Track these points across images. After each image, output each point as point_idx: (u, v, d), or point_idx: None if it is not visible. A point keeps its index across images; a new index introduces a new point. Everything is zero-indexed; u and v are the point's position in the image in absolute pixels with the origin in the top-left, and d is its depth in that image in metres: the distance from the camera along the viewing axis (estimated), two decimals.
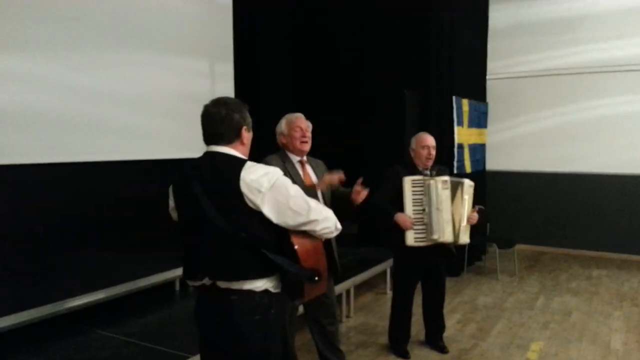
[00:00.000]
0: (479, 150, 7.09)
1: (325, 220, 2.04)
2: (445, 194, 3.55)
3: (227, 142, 2.06)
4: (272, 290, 2.07)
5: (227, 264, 1.98)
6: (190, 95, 5.22)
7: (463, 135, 6.43)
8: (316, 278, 2.01)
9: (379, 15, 6.28)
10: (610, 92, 7.14)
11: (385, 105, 6.07)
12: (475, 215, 3.68)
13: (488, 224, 6.74)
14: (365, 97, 6.28)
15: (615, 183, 7.13)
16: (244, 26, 6.07)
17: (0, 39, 3.69)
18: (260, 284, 2.01)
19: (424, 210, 3.56)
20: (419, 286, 3.97)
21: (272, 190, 1.94)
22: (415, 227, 3.56)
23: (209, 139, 2.08)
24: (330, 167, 3.29)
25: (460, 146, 6.35)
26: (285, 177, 2.03)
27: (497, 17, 7.63)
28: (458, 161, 6.28)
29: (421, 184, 3.57)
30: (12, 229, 3.69)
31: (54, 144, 4.04)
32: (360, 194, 3.03)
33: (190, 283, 2.14)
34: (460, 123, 6.33)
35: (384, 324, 4.44)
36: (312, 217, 2.00)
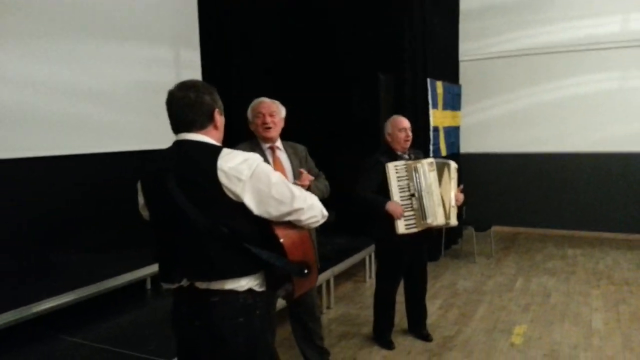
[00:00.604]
0: (453, 133, 7.03)
1: (310, 209, 1.89)
2: (433, 175, 3.45)
3: (199, 128, 1.88)
4: (257, 289, 1.91)
5: (207, 262, 1.81)
6: (156, 85, 4.96)
7: (438, 117, 6.35)
8: (305, 271, 1.87)
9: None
10: (582, 71, 7.15)
11: (360, 89, 5.93)
12: (461, 196, 3.63)
13: (464, 207, 6.71)
14: (340, 81, 6.12)
15: (588, 162, 7.18)
16: (210, 10, 5.81)
17: None
18: (243, 283, 1.85)
19: (413, 195, 3.45)
20: None
21: (253, 178, 1.78)
22: (406, 214, 3.45)
23: (178, 126, 1.90)
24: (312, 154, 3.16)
25: (436, 129, 6.27)
26: (265, 164, 1.86)
27: None
28: (434, 144, 6.20)
29: (406, 169, 3.45)
30: None
31: (11, 140, 3.78)
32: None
33: (166, 286, 1.96)
34: (435, 106, 6.24)
35: (366, 313, 4.36)
36: (297, 205, 1.85)
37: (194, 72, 5.62)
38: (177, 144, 1.90)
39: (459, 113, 7.35)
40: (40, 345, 3.20)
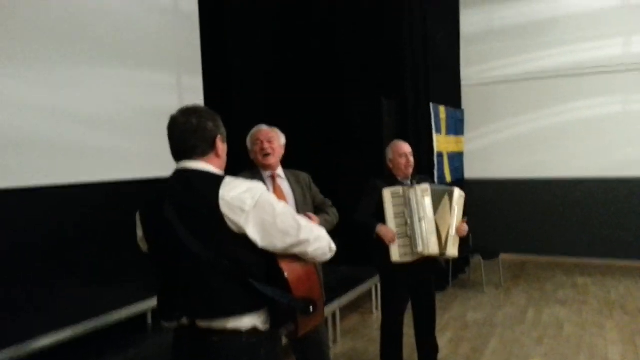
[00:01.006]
0: (457, 159, 6.92)
1: (317, 240, 1.76)
2: (427, 202, 3.25)
3: (201, 155, 1.77)
4: (261, 327, 1.75)
5: (208, 299, 1.67)
6: (157, 110, 4.87)
7: (442, 143, 6.24)
8: (311, 308, 1.72)
9: (352, 21, 6.04)
10: (586, 95, 7.08)
11: (362, 114, 5.83)
12: (465, 227, 3.39)
13: (470, 235, 6.56)
14: (342, 106, 6.03)
15: (595, 187, 7.05)
16: (212, 35, 5.75)
17: None
18: (247, 321, 1.71)
19: (406, 222, 3.29)
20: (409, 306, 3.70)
21: (257, 209, 1.66)
22: (400, 241, 3.28)
23: (178, 153, 1.78)
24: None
25: (440, 154, 6.16)
26: (269, 193, 1.74)
27: (469, 22, 7.53)
28: (438, 170, 6.08)
29: (401, 195, 3.30)
30: None
31: (8, 167, 3.67)
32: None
33: (166, 325, 1.81)
34: (438, 131, 6.14)
35: (374, 348, 4.16)
36: (303, 237, 1.72)
37: (196, 96, 5.53)
38: (178, 172, 1.78)
39: (462, 138, 7.25)
40: None
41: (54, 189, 3.88)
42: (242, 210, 1.64)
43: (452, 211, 3.31)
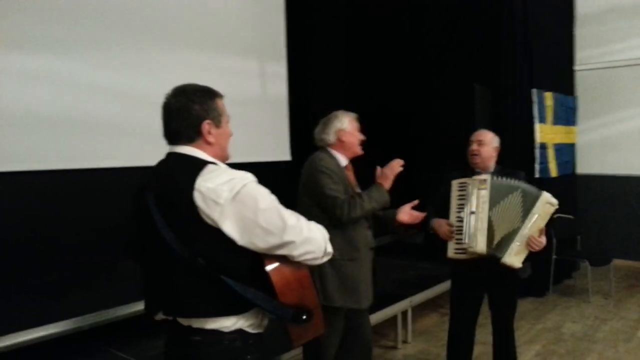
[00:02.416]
0: (566, 151, 6.20)
1: (306, 243, 1.54)
2: (482, 194, 2.81)
3: (187, 141, 1.61)
4: (250, 330, 1.59)
5: (183, 298, 1.54)
6: (241, 97, 4.89)
7: (546, 133, 5.61)
8: (304, 317, 1.52)
9: (442, 2, 5.62)
10: None
11: (454, 102, 5.41)
12: (542, 240, 2.81)
13: (579, 237, 5.86)
14: (431, 94, 5.66)
15: None
16: (298, 23, 5.66)
17: (23, 37, 3.50)
18: (228, 324, 1.55)
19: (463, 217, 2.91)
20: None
21: (236, 202, 1.47)
22: (457, 237, 2.90)
23: (167, 136, 1.65)
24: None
25: (543, 146, 5.53)
26: (257, 185, 1.53)
27: (585, 1, 6.69)
28: (540, 163, 5.47)
29: (465, 187, 2.92)
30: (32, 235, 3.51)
31: (85, 148, 3.86)
32: (408, 215, 2.79)
33: (154, 317, 1.70)
34: (542, 120, 5.52)
35: None
36: (288, 238, 1.50)
37: (279, 83, 5.50)
38: (167, 156, 1.66)
39: (574, 128, 6.49)
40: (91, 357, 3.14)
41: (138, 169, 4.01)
42: (216, 204, 1.46)
43: (531, 216, 2.80)
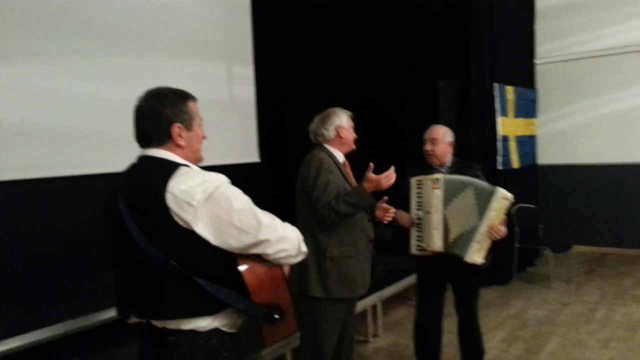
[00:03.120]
0: (527, 143, 6.41)
1: (281, 241, 1.58)
2: (436, 194, 2.91)
3: (157, 144, 1.63)
4: (226, 329, 1.64)
5: (157, 300, 1.57)
6: (208, 102, 4.88)
7: (508, 126, 5.80)
8: (276, 316, 1.57)
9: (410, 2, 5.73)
10: None
11: (418, 98, 5.54)
12: (502, 229, 2.88)
13: (541, 225, 6.09)
14: (398, 90, 5.77)
15: None
16: (264, 25, 5.68)
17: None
18: (204, 324, 1.59)
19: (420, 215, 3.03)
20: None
21: (210, 203, 1.50)
22: (417, 234, 3.02)
23: (138, 139, 1.67)
24: (362, 168, 2.88)
25: (505, 139, 5.72)
26: (230, 186, 1.57)
27: None
28: (503, 155, 5.66)
29: (423, 184, 3.03)
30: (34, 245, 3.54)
31: (59, 157, 3.83)
32: (387, 211, 2.80)
33: (127, 321, 1.74)
34: (504, 113, 5.70)
35: None
36: (263, 236, 1.54)
37: (247, 86, 5.52)
38: (138, 160, 1.68)
39: (534, 121, 6.71)
40: None
41: (101, 177, 4.00)
42: (190, 205, 1.49)
43: (485, 213, 2.85)
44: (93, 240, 3.39)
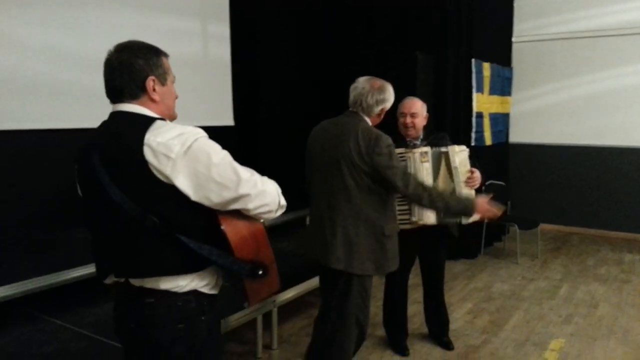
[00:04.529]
0: (501, 121, 6.45)
1: (261, 196, 1.55)
2: (425, 167, 2.93)
3: (130, 98, 1.56)
4: (205, 291, 1.60)
5: (135, 257, 1.52)
6: (181, 59, 4.72)
7: (483, 103, 5.80)
8: (260, 272, 1.55)
9: None
10: None
11: (396, 70, 5.46)
12: (476, 176, 2.98)
13: (509, 202, 6.17)
14: (375, 61, 5.68)
15: None
16: None
17: None
18: (183, 283, 1.55)
19: None
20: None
21: (188, 157, 1.45)
22: (399, 208, 3.01)
23: (109, 94, 1.59)
24: None
25: (480, 115, 5.73)
26: (209, 140, 1.52)
27: None
28: (477, 132, 5.67)
29: (403, 158, 3.01)
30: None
31: (24, 110, 3.71)
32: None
33: (104, 280, 1.68)
34: (480, 89, 5.70)
35: None
36: (243, 191, 1.51)
37: (222, 45, 5.37)
38: (110, 116, 1.61)
39: (509, 99, 6.74)
40: (26, 325, 3.02)
41: (63, 132, 3.86)
42: (168, 158, 1.44)
43: (455, 172, 2.96)
44: (67, 197, 3.29)
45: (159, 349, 1.58)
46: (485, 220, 2.95)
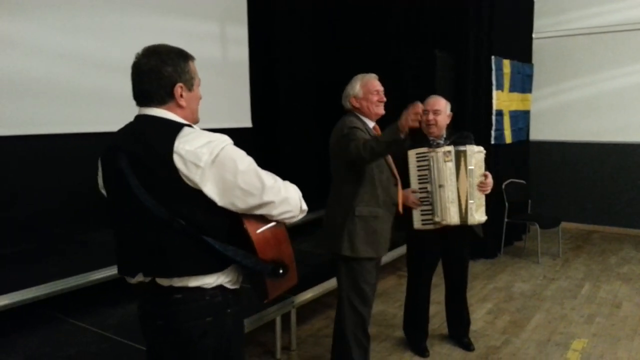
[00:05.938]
0: (521, 118, 6.37)
1: (284, 203, 1.61)
2: (448, 167, 2.95)
3: (158, 103, 1.59)
4: (229, 286, 1.66)
5: (164, 258, 1.56)
6: (200, 61, 4.78)
7: (503, 100, 5.74)
8: (280, 271, 1.62)
9: None
10: None
11: (414, 69, 5.44)
12: (489, 181, 3.01)
13: (530, 201, 6.10)
14: (393, 60, 5.65)
15: None
16: None
17: None
18: (210, 280, 1.60)
19: (428, 189, 3.04)
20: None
21: (216, 165, 1.50)
22: (423, 208, 3.01)
23: (137, 98, 1.62)
24: None
25: (500, 113, 5.67)
26: (235, 148, 1.56)
27: None
28: (496, 130, 5.61)
29: (426, 157, 3.01)
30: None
31: (45, 114, 3.77)
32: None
33: (128, 280, 1.71)
34: (500, 87, 5.64)
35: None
36: (267, 198, 1.56)
37: (241, 47, 5.40)
38: (137, 118, 1.64)
39: (529, 96, 6.65)
40: (47, 327, 3.08)
41: (85, 136, 3.93)
42: (197, 167, 1.48)
43: (469, 173, 2.98)
44: (88, 200, 3.34)
45: (187, 344, 1.62)
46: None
